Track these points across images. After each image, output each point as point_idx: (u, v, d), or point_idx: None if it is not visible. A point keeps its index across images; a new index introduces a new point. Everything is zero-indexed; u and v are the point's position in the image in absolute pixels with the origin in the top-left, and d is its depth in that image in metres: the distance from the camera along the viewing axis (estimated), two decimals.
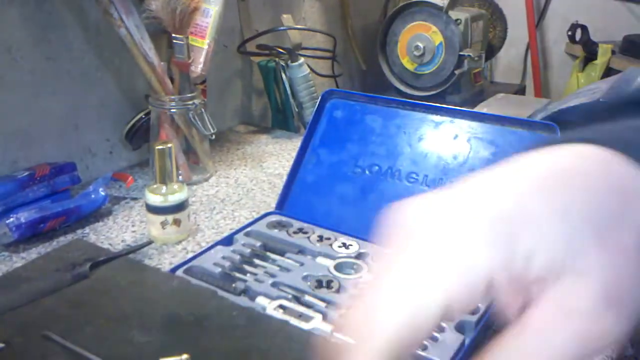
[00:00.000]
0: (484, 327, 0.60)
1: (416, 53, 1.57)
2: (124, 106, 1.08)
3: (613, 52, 1.92)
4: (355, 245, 0.73)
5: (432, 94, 1.58)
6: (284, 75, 1.27)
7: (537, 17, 2.16)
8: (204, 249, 0.73)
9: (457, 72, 1.55)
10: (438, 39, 1.54)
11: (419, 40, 1.57)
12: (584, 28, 1.98)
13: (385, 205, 0.83)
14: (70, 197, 0.89)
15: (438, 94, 1.58)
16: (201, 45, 1.02)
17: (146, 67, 0.95)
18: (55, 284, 0.62)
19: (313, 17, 1.58)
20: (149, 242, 0.77)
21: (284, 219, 0.80)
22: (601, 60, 1.92)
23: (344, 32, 1.71)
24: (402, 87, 1.64)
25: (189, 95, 0.97)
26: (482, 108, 0.99)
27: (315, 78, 1.34)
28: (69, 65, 0.98)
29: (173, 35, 0.95)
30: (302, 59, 1.28)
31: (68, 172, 0.90)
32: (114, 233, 0.83)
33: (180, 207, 0.79)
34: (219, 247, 0.73)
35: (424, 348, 0.55)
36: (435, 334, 0.57)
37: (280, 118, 1.34)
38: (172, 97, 0.97)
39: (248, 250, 0.73)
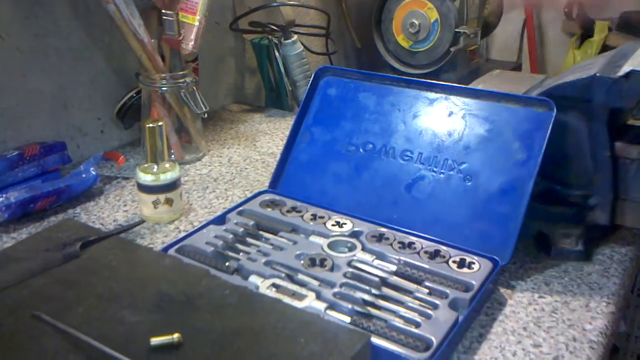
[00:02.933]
0: (477, 304, 0.60)
1: (411, 30, 1.55)
2: (115, 84, 1.06)
3: (610, 29, 1.90)
4: (349, 224, 0.73)
5: (427, 72, 1.56)
6: (277, 53, 1.25)
7: None
8: (196, 228, 0.72)
9: (452, 49, 1.53)
10: (433, 15, 1.52)
11: (414, 17, 1.54)
12: (580, 5, 1.96)
13: (379, 184, 0.82)
14: (61, 176, 0.88)
15: (433, 71, 1.56)
16: (192, 22, 1.00)
17: (136, 45, 0.93)
18: (46, 263, 0.62)
19: None
20: (141, 222, 0.76)
21: (277, 197, 0.80)
22: (598, 37, 1.90)
23: (338, 9, 1.68)
24: (398, 65, 1.62)
25: (180, 73, 0.96)
26: (477, 84, 0.98)
27: (309, 56, 1.33)
28: (57, 43, 0.96)
29: (163, 11, 0.93)
30: (295, 37, 1.26)
31: (58, 151, 0.89)
32: (105, 213, 0.82)
33: (172, 186, 0.78)
34: (211, 226, 0.72)
35: (418, 325, 0.55)
36: (429, 312, 0.57)
37: (273, 96, 1.32)
38: (163, 75, 0.95)
39: (241, 229, 0.72)
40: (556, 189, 0.74)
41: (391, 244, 0.68)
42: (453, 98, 0.79)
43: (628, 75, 0.67)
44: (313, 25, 1.41)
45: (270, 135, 1.12)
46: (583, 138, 0.72)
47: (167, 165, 0.78)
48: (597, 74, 0.69)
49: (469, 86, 0.89)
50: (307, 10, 1.48)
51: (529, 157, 0.70)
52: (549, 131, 0.69)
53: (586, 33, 1.95)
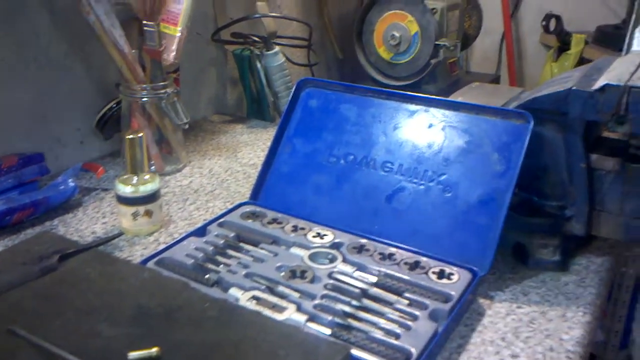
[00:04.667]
0: (456, 315, 0.60)
1: (392, 42, 1.56)
2: (95, 95, 1.05)
3: (586, 42, 1.94)
4: (330, 235, 0.73)
5: (408, 84, 1.58)
6: (259, 64, 1.25)
7: (512, 8, 2.17)
8: (176, 240, 0.72)
9: (432, 61, 1.55)
10: (414, 28, 1.54)
11: (395, 29, 1.56)
12: (558, 18, 1.99)
13: (360, 195, 0.82)
14: (39, 188, 0.87)
15: (414, 83, 1.57)
16: (173, 32, 1.00)
17: (117, 55, 0.93)
18: (22, 277, 0.61)
19: (289, 5, 1.56)
20: (119, 234, 0.75)
21: (258, 209, 0.79)
22: (574, 50, 1.94)
23: (320, 21, 1.69)
24: (379, 77, 1.64)
25: (161, 83, 0.96)
26: (456, 97, 0.99)
27: (291, 67, 1.33)
28: (36, 53, 0.95)
29: (144, 22, 0.92)
30: (277, 48, 1.26)
31: (36, 162, 0.88)
32: (83, 225, 0.81)
33: (152, 197, 0.78)
34: (191, 238, 0.72)
35: (397, 336, 0.55)
36: (409, 323, 0.57)
37: (255, 107, 1.33)
38: (144, 85, 0.95)
39: (221, 241, 0.72)
40: (533, 200, 0.76)
41: (372, 255, 0.69)
42: (433, 110, 0.80)
43: (603, 88, 0.68)
44: (295, 37, 1.42)
45: (251, 147, 1.12)
46: (559, 150, 0.73)
47: (146, 176, 0.78)
48: (573, 88, 0.70)
49: (449, 98, 0.90)
50: (289, 22, 1.49)
51: (507, 169, 0.71)
52: (526, 143, 0.70)
53: (563, 46, 1.99)
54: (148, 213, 0.77)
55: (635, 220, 0.71)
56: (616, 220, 0.73)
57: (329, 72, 1.77)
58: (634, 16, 0.96)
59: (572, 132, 0.72)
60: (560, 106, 0.71)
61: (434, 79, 1.61)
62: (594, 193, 0.73)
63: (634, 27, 0.94)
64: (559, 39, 1.99)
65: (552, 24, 2.01)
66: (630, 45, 0.90)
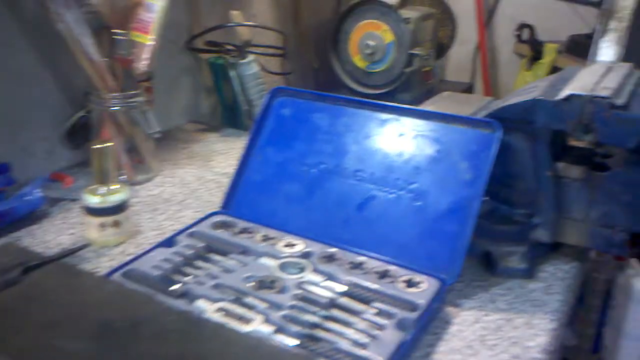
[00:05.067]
0: (423, 324, 0.60)
1: (367, 51, 1.57)
2: (64, 104, 1.04)
3: (559, 52, 1.98)
4: (300, 245, 0.73)
5: (383, 92, 1.59)
6: (233, 73, 1.25)
7: (486, 17, 2.21)
8: (144, 251, 0.71)
9: (407, 70, 1.56)
10: (389, 37, 1.55)
11: (370, 38, 1.57)
12: (531, 28, 2.03)
13: (331, 203, 0.82)
14: (4, 198, 0.85)
15: (389, 92, 1.59)
16: (145, 41, 0.99)
17: (87, 64, 0.92)
18: None
19: (264, 14, 1.56)
20: (85, 245, 0.74)
21: (228, 219, 0.79)
22: (547, 59, 1.97)
23: (295, 29, 1.69)
24: (354, 86, 1.64)
25: (132, 92, 0.95)
26: (427, 106, 1.00)
27: (266, 76, 1.33)
28: (4, 61, 0.93)
29: (114, 30, 0.92)
30: (252, 57, 1.26)
31: (2, 173, 0.86)
32: (50, 236, 0.80)
33: (120, 208, 0.77)
34: (160, 249, 0.71)
35: (365, 346, 0.55)
36: (376, 332, 0.57)
37: (229, 116, 1.32)
38: (114, 94, 0.93)
39: (190, 252, 0.71)
40: (502, 208, 0.76)
41: (341, 265, 0.69)
42: (404, 119, 0.80)
43: (567, 98, 0.69)
44: (270, 45, 1.41)
45: (224, 155, 1.12)
46: (526, 158, 0.74)
47: (115, 187, 0.77)
48: (539, 97, 0.71)
49: (419, 108, 0.91)
50: (263, 30, 1.49)
51: (475, 177, 0.72)
52: (494, 152, 0.71)
53: (536, 55, 2.02)
54: (116, 224, 0.76)
55: (600, 227, 0.73)
56: (582, 228, 0.74)
57: (304, 80, 1.77)
58: (599, 27, 0.99)
59: (539, 140, 0.73)
60: (527, 115, 0.72)
61: (408, 87, 1.62)
62: (560, 201, 0.74)
63: (599, 38, 0.96)
64: (532, 48, 2.02)
65: (525, 33, 2.05)
66: (595, 55, 0.91)
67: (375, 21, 1.56)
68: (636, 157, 0.69)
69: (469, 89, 1.92)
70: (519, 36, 2.07)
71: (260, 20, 1.54)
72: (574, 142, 0.79)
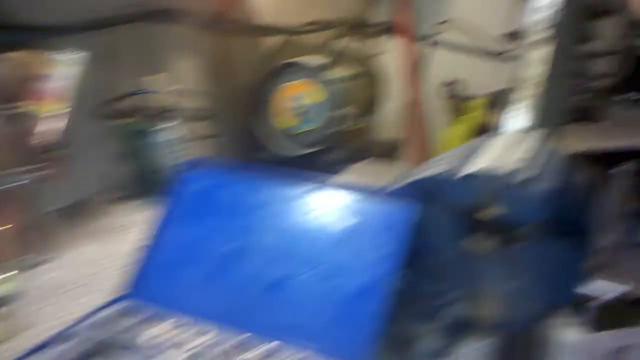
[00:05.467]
0: None
1: (296, 112, 1.57)
2: None
3: (484, 107, 2.05)
4: (211, 333, 0.68)
5: (312, 152, 1.58)
6: (149, 139, 1.21)
7: (417, 75, 2.26)
8: (35, 346, 0.64)
9: (336, 129, 1.57)
10: (317, 97, 1.56)
11: (299, 98, 1.58)
12: (457, 85, 2.11)
13: (242, 285, 0.77)
14: None
15: (317, 152, 1.58)
16: (51, 111, 0.94)
17: None
18: None
19: (188, 76, 1.54)
20: None
21: (134, 304, 0.73)
22: (473, 114, 2.04)
23: (220, 92, 1.67)
24: (282, 147, 1.63)
25: (31, 167, 0.89)
26: (348, 174, 0.99)
27: (186, 141, 1.29)
28: None
29: (11, 104, 0.86)
30: (169, 122, 1.23)
31: None
32: None
33: (7, 299, 0.70)
34: (53, 344, 0.65)
35: None
36: None
37: (144, 185, 1.26)
38: (10, 170, 0.87)
39: (89, 347, 0.65)
40: (417, 284, 0.75)
41: (251, 353, 0.64)
42: (320, 193, 0.78)
43: (468, 176, 0.70)
44: (194, 109, 1.39)
45: (134, 230, 1.05)
46: (440, 232, 0.74)
47: (2, 276, 0.70)
48: (445, 173, 0.72)
49: (338, 179, 0.90)
50: (189, 94, 1.46)
51: (391, 252, 0.70)
52: (409, 226, 0.70)
53: (463, 111, 2.09)
54: (2, 317, 0.69)
55: (512, 299, 0.72)
56: (495, 300, 0.73)
57: (234, 143, 1.74)
58: (509, 96, 1.02)
59: (450, 214, 0.73)
60: (435, 190, 0.72)
61: (337, 147, 1.62)
62: (473, 274, 0.73)
63: (504, 109, 1.00)
64: (457, 104, 2.09)
65: (452, 89, 2.12)
66: (500, 126, 0.93)
67: (303, 81, 1.57)
68: (545, 230, 0.69)
69: (398, 145, 1.94)
70: (446, 93, 2.14)
71: (184, 83, 1.51)
72: (483, 216, 0.79)
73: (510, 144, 0.77)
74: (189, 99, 1.43)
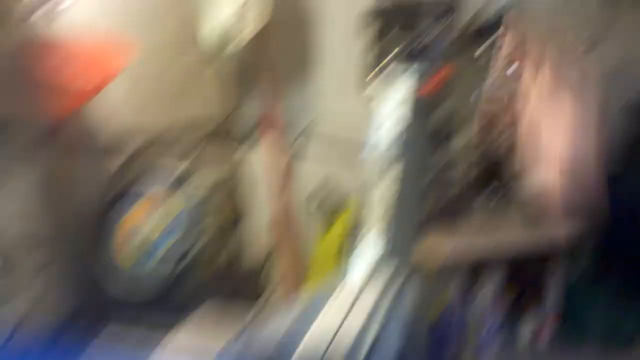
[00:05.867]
0: None
1: (139, 246, 1.39)
2: None
3: (355, 206, 2.01)
4: None
5: (158, 295, 1.39)
6: None
7: (285, 184, 2.17)
8: None
9: (187, 262, 1.40)
10: (167, 219, 1.40)
11: (143, 229, 1.40)
12: (326, 191, 2.06)
13: None
14: None
15: (165, 293, 1.39)
16: None
17: None
18: None
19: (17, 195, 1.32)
20: None
21: None
22: (340, 227, 2.00)
23: (55, 216, 1.45)
24: (122, 289, 1.40)
25: None
26: (175, 337, 0.83)
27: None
28: None
29: None
30: None
31: None
32: None
33: None
34: None
35: None
36: None
37: None
38: None
39: None
40: None
41: None
42: None
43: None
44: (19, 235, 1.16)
45: None
46: None
47: None
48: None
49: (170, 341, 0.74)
50: None
51: None
52: None
53: (333, 218, 2.05)
54: None
55: None
56: None
57: (65, 282, 1.50)
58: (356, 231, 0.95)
59: None
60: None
61: (187, 286, 1.44)
62: None
63: (356, 242, 0.92)
64: (329, 213, 2.05)
65: (320, 198, 2.07)
66: (345, 276, 0.84)
67: (154, 195, 1.41)
68: None
69: (263, 261, 1.82)
70: (315, 203, 2.08)
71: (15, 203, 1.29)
72: None
73: (346, 307, 0.67)
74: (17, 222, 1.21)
